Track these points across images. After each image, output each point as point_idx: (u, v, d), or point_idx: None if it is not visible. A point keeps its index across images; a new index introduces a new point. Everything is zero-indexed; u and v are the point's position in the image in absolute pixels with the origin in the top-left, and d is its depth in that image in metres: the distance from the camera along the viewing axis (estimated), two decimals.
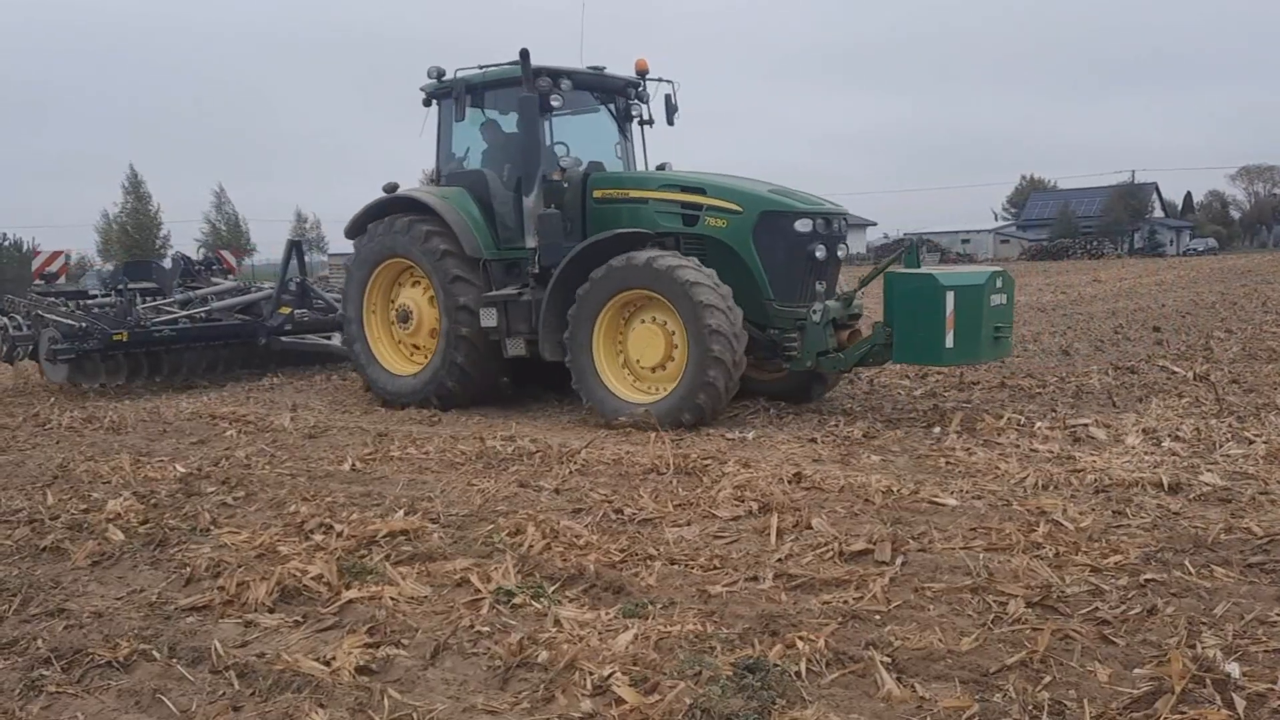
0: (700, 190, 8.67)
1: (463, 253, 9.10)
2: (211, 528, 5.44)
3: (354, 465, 6.93)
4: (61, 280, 17.09)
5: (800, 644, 3.60)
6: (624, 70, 10.01)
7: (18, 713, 3.40)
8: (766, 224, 8.35)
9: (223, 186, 70.35)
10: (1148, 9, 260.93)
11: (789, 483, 5.91)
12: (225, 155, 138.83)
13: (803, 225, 8.36)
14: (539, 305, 8.77)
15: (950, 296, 7.54)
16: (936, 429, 7.53)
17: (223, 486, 6.42)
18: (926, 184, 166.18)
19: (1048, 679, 3.32)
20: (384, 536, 5.08)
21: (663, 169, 9.99)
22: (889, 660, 3.48)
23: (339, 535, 5.13)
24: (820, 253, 8.41)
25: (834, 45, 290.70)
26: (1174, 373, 9.99)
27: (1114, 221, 74.54)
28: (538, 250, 8.92)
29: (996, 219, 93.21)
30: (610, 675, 3.41)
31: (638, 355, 8.36)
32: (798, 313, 8.29)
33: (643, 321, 8.34)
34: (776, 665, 3.44)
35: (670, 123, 10.08)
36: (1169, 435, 6.90)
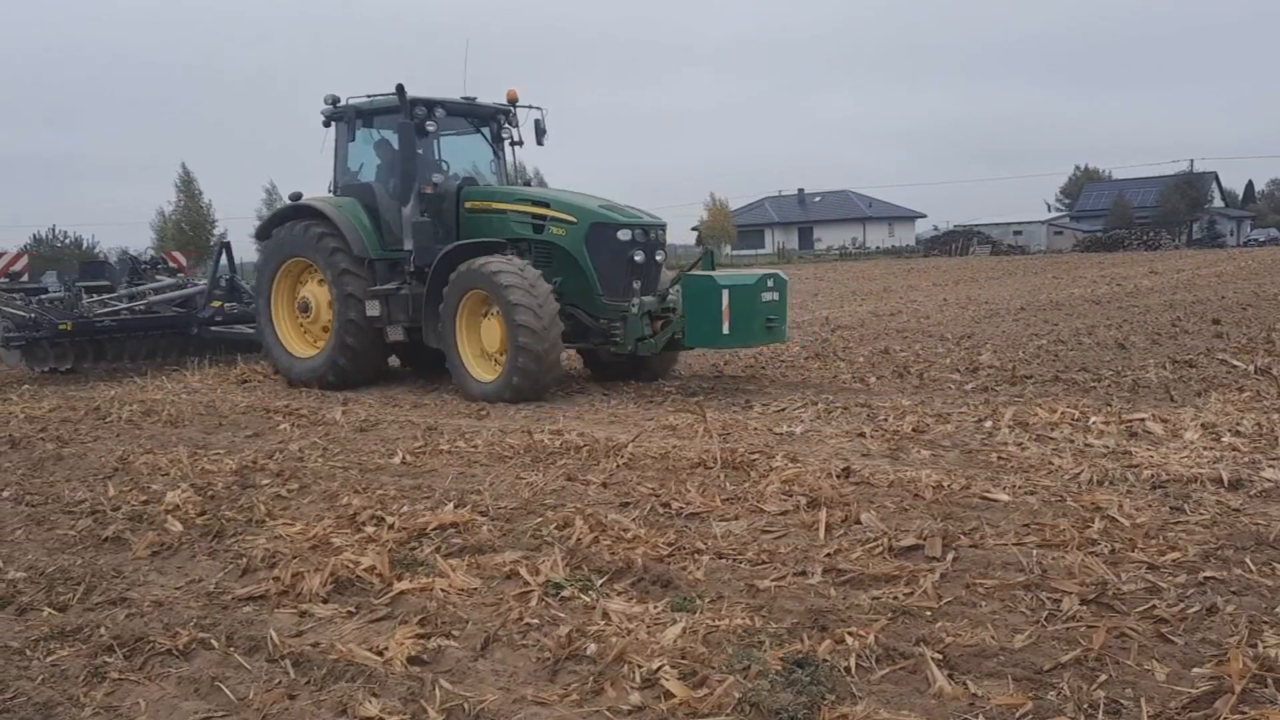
0: (546, 204, 10.35)
1: (351, 252, 10.64)
2: (266, 519, 5.55)
3: (404, 458, 7.03)
4: (24, 278, 18.65)
5: (850, 639, 3.58)
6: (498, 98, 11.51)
7: (82, 698, 3.50)
8: (595, 233, 9.96)
9: (274, 183, 71.22)
10: None
11: (837, 477, 5.88)
12: (278, 152, 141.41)
13: (623, 234, 9.96)
14: (416, 299, 10.38)
15: (725, 294, 9.26)
16: (988, 423, 7.42)
17: (277, 479, 6.54)
18: (979, 175, 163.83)
19: (1103, 677, 3.27)
20: (434, 529, 5.15)
21: (528, 184, 11.40)
22: (940, 657, 3.45)
23: (390, 527, 5.21)
24: (639, 257, 9.97)
25: (885, 36, 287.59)
26: (1234, 366, 9.76)
27: (1171, 212, 72.78)
28: (413, 252, 10.46)
29: (1050, 210, 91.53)
30: (659, 668, 3.42)
31: (487, 342, 9.86)
32: (621, 306, 9.84)
33: (492, 314, 9.69)
34: (825, 660, 3.43)
35: (539, 143, 11.44)
36: (1229, 430, 6.74)
